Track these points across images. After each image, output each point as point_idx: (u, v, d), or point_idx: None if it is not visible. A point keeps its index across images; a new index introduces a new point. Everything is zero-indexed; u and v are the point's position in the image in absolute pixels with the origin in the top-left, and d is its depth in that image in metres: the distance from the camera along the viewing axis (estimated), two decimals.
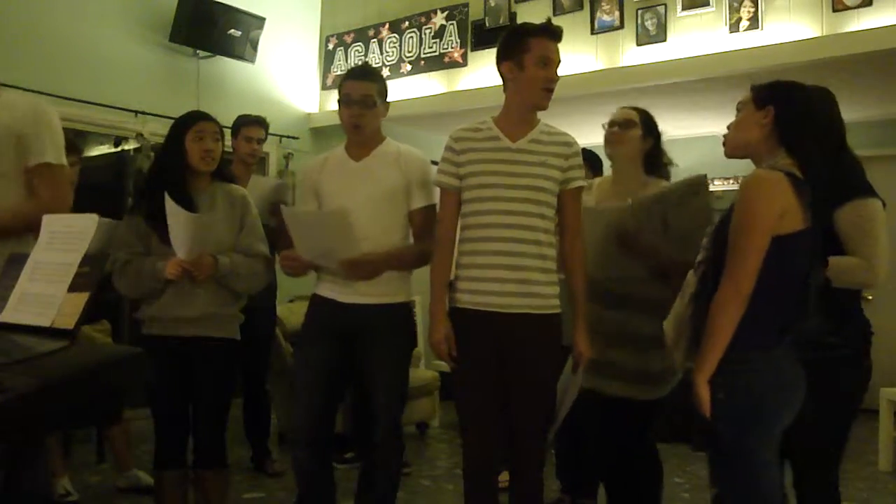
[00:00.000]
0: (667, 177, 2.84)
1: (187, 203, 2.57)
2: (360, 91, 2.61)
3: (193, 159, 2.62)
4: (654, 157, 2.81)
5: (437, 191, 2.58)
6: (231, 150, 4.08)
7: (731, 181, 6.02)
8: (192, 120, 2.66)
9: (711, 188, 2.87)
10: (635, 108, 2.86)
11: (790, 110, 1.98)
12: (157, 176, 2.69)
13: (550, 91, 2.38)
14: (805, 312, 1.94)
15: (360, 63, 6.28)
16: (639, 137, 2.77)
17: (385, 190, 2.61)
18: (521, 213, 2.33)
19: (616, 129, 2.79)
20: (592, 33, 5.20)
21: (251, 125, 4.05)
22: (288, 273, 2.66)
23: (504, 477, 3.90)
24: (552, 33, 2.40)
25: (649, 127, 2.81)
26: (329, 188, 2.66)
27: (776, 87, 2.03)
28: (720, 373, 1.89)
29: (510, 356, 2.33)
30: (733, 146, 2.10)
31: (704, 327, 1.92)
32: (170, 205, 2.46)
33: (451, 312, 2.46)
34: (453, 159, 2.44)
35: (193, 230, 2.49)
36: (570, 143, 2.40)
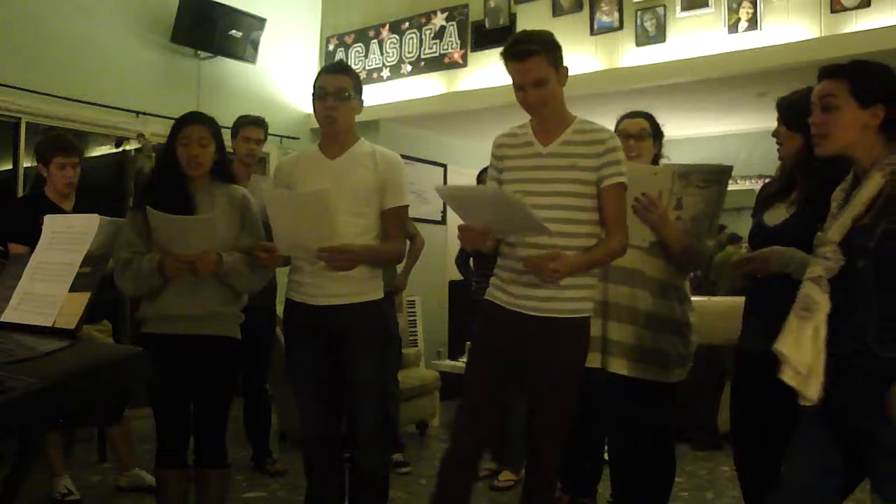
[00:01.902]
0: None
1: (186, 203, 2.60)
2: (335, 83, 2.62)
3: (182, 164, 2.65)
4: (659, 156, 2.95)
5: (409, 192, 2.69)
6: (231, 150, 4.10)
7: (730, 181, 6.03)
8: (178, 126, 2.67)
9: None
10: (643, 116, 2.92)
11: None
12: (156, 177, 2.72)
13: (531, 107, 2.35)
14: None
15: (359, 65, 6.30)
16: (651, 147, 2.87)
17: (359, 189, 2.62)
18: (548, 219, 2.27)
19: (633, 143, 2.85)
20: (592, 34, 5.21)
21: (250, 125, 4.06)
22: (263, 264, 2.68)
23: (506, 476, 3.95)
24: (512, 56, 2.32)
25: (657, 132, 2.91)
26: (302, 186, 2.66)
27: (883, 82, 1.86)
28: None
29: (531, 357, 2.34)
30: (832, 149, 1.91)
31: (875, 343, 1.77)
32: (154, 215, 2.48)
33: (483, 302, 2.49)
34: (496, 165, 2.48)
35: (181, 231, 2.51)
36: (604, 140, 2.33)
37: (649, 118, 2.91)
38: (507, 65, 2.34)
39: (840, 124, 1.86)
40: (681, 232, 2.68)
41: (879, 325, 1.78)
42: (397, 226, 2.71)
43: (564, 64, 2.36)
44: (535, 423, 2.38)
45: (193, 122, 2.68)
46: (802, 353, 1.82)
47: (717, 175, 2.69)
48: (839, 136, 1.87)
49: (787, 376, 1.84)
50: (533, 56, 2.27)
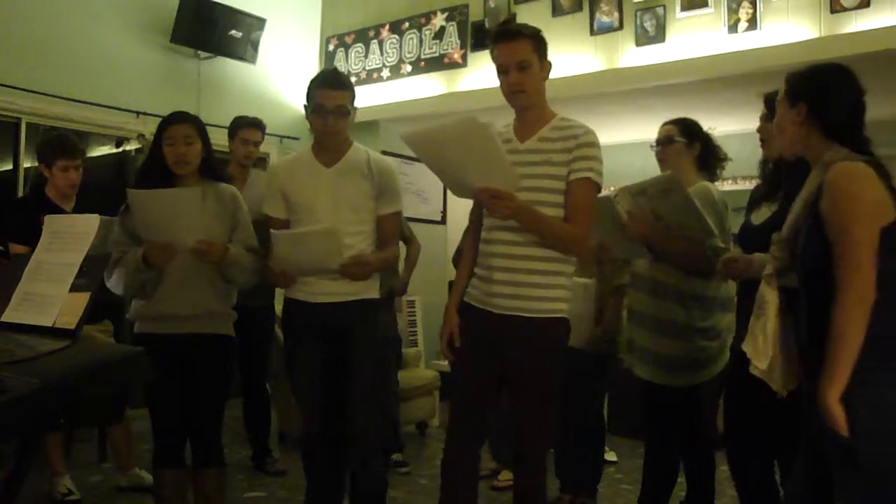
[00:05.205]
0: (710, 177, 2.95)
1: None
2: (334, 101, 2.62)
3: (168, 163, 2.66)
4: (706, 158, 2.95)
5: (403, 197, 2.78)
6: (228, 151, 4.10)
7: (730, 181, 6.02)
8: (163, 126, 2.68)
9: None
10: (674, 122, 2.97)
11: (824, 102, 1.89)
12: (145, 178, 2.72)
13: (515, 93, 2.36)
14: None
15: (359, 66, 6.30)
16: (682, 150, 2.90)
17: (358, 199, 2.66)
18: None
19: (659, 149, 2.93)
20: (591, 34, 5.20)
21: (247, 127, 4.05)
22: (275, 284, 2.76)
23: (506, 476, 3.95)
24: (499, 35, 2.36)
25: (692, 134, 2.93)
26: (300, 195, 2.68)
27: (806, 81, 1.95)
28: (860, 386, 1.66)
29: (506, 356, 2.34)
30: (774, 151, 2.06)
31: (806, 342, 1.78)
32: (137, 195, 2.50)
33: (461, 304, 2.50)
34: None
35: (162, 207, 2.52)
36: (577, 136, 2.33)
37: (679, 123, 2.95)
38: (494, 51, 2.37)
39: (778, 126, 2.00)
40: (666, 235, 2.72)
41: (807, 327, 1.81)
42: (392, 231, 2.78)
43: (549, 60, 2.38)
44: (517, 423, 2.38)
45: (178, 121, 2.69)
46: (758, 350, 1.91)
47: (668, 184, 2.67)
48: (781, 138, 2.00)
49: (755, 371, 1.93)
50: (520, 38, 2.32)
